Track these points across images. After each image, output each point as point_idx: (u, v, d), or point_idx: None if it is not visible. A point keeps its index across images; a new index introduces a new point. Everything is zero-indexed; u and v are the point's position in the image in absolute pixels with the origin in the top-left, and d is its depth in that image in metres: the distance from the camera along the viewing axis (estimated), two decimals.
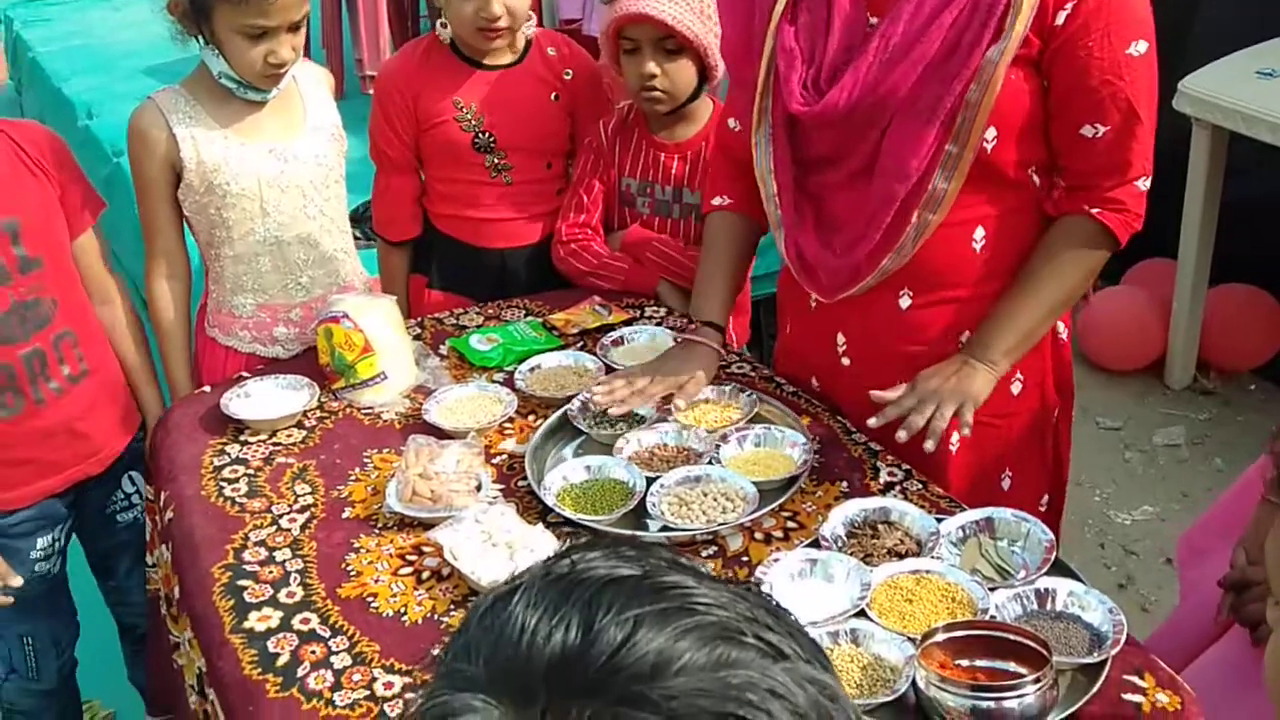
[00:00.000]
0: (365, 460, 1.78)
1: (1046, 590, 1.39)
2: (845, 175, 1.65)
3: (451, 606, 1.48)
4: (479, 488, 1.65)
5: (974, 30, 1.51)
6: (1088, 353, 3.42)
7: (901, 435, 1.57)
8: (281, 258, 2.09)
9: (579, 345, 2.04)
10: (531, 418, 1.85)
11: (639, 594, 0.55)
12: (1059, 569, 1.43)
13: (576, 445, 1.79)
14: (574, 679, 0.51)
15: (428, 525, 1.59)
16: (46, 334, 1.90)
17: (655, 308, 2.17)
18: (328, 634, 1.45)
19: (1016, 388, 1.72)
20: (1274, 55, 3.09)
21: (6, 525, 1.95)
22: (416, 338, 2.09)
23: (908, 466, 1.67)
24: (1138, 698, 1.27)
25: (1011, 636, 1.27)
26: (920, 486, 1.64)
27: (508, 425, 1.84)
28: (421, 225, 2.35)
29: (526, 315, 2.17)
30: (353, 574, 1.54)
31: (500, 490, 1.68)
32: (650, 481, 1.63)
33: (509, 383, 1.93)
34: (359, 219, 2.59)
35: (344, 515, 1.66)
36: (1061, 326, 1.78)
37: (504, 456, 1.77)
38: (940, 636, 1.28)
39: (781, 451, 1.70)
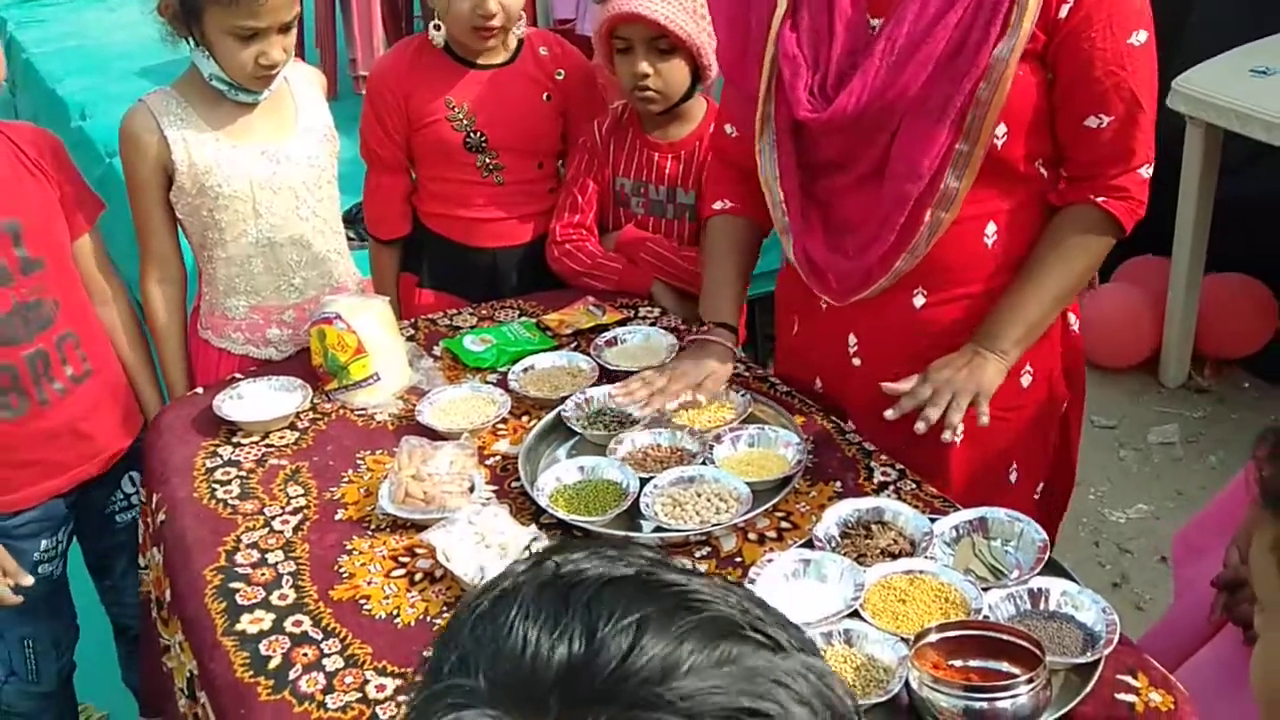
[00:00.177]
0: (358, 462, 1.78)
1: (1040, 590, 1.39)
2: (855, 179, 1.65)
3: (444, 608, 1.47)
4: (472, 489, 1.65)
5: (980, 28, 1.52)
6: None
7: (920, 427, 1.56)
8: (274, 259, 2.09)
9: (573, 346, 2.03)
10: (525, 419, 1.85)
11: (637, 595, 0.54)
12: (1052, 569, 1.43)
13: (570, 446, 1.79)
14: (584, 688, 0.51)
15: (420, 527, 1.58)
16: (49, 335, 1.91)
17: (649, 308, 2.17)
18: (320, 636, 1.44)
19: (1026, 380, 1.72)
20: (1267, 53, 3.10)
21: (10, 527, 1.95)
22: (410, 339, 2.09)
23: (901, 466, 1.67)
24: (1131, 697, 1.27)
25: (1005, 637, 1.27)
26: (914, 486, 1.63)
27: (501, 426, 1.83)
28: (411, 224, 2.35)
29: (520, 316, 2.16)
30: (345, 576, 1.54)
31: (493, 491, 1.68)
32: (644, 482, 1.63)
33: (503, 383, 1.93)
34: (352, 220, 2.59)
35: (336, 517, 1.65)
36: (1073, 317, 1.78)
37: (497, 458, 1.76)
38: (933, 637, 1.28)
39: (775, 452, 1.70)
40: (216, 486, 1.73)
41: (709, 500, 1.60)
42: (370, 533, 1.62)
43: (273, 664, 1.40)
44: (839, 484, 1.65)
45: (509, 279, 2.30)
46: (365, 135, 2.29)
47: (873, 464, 1.69)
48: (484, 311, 2.20)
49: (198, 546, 1.61)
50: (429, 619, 1.46)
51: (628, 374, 1.92)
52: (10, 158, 1.88)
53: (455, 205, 2.28)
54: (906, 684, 1.26)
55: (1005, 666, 1.25)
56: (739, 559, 1.53)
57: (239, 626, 1.46)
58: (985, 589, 1.39)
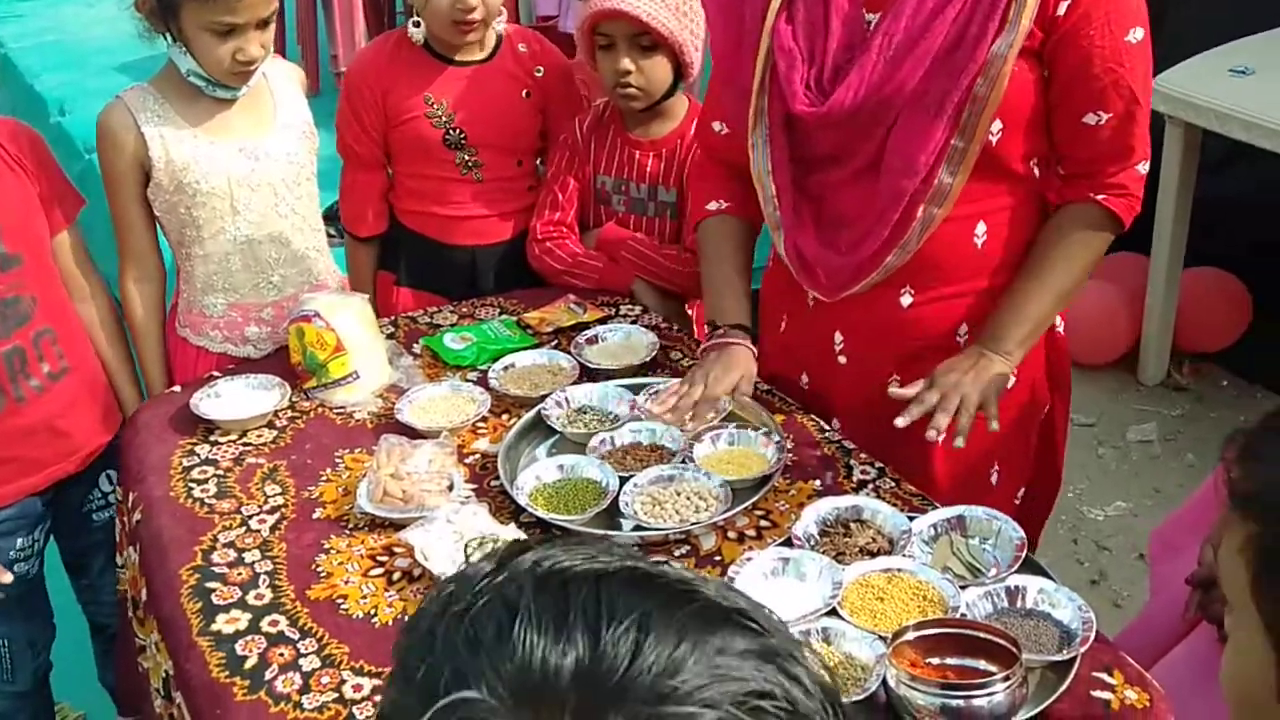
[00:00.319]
0: (337, 460, 1.77)
1: (1017, 588, 1.39)
2: (849, 173, 1.64)
3: None
4: (451, 488, 1.64)
5: (978, 23, 1.51)
6: None
7: (931, 434, 1.53)
8: (253, 256, 2.08)
9: (553, 344, 2.03)
10: (505, 417, 1.84)
11: (631, 590, 0.55)
12: (1030, 567, 1.43)
13: (550, 445, 1.78)
14: (599, 692, 0.51)
15: (399, 526, 1.58)
16: (26, 331, 1.89)
17: (630, 306, 2.17)
18: (297, 636, 1.43)
19: (1010, 381, 1.70)
20: (1246, 53, 3.12)
21: None
22: (390, 336, 2.08)
23: (881, 464, 1.68)
24: (1106, 695, 1.27)
25: (982, 635, 1.27)
26: (893, 484, 1.64)
27: (481, 425, 1.83)
28: (388, 221, 2.34)
29: (501, 314, 2.16)
30: (323, 575, 1.53)
31: (473, 490, 1.67)
32: (623, 481, 1.63)
33: (483, 382, 1.92)
34: (332, 217, 2.58)
35: (314, 516, 1.65)
36: (1058, 319, 1.78)
37: (477, 456, 1.76)
38: (911, 635, 1.29)
39: (755, 450, 1.70)
40: (193, 485, 1.72)
41: (688, 499, 1.60)
42: (348, 532, 1.61)
43: (249, 664, 1.40)
44: (818, 482, 1.65)
45: (488, 277, 2.29)
46: (342, 131, 2.28)
47: (852, 462, 1.69)
48: (464, 309, 2.19)
49: (174, 546, 1.60)
50: (407, 618, 1.45)
51: (609, 373, 1.92)
52: None
53: (432, 202, 2.28)
54: (884, 682, 1.26)
55: (982, 664, 1.25)
56: (718, 557, 1.53)
57: (215, 626, 1.45)
58: (963, 587, 1.39)
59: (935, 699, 1.22)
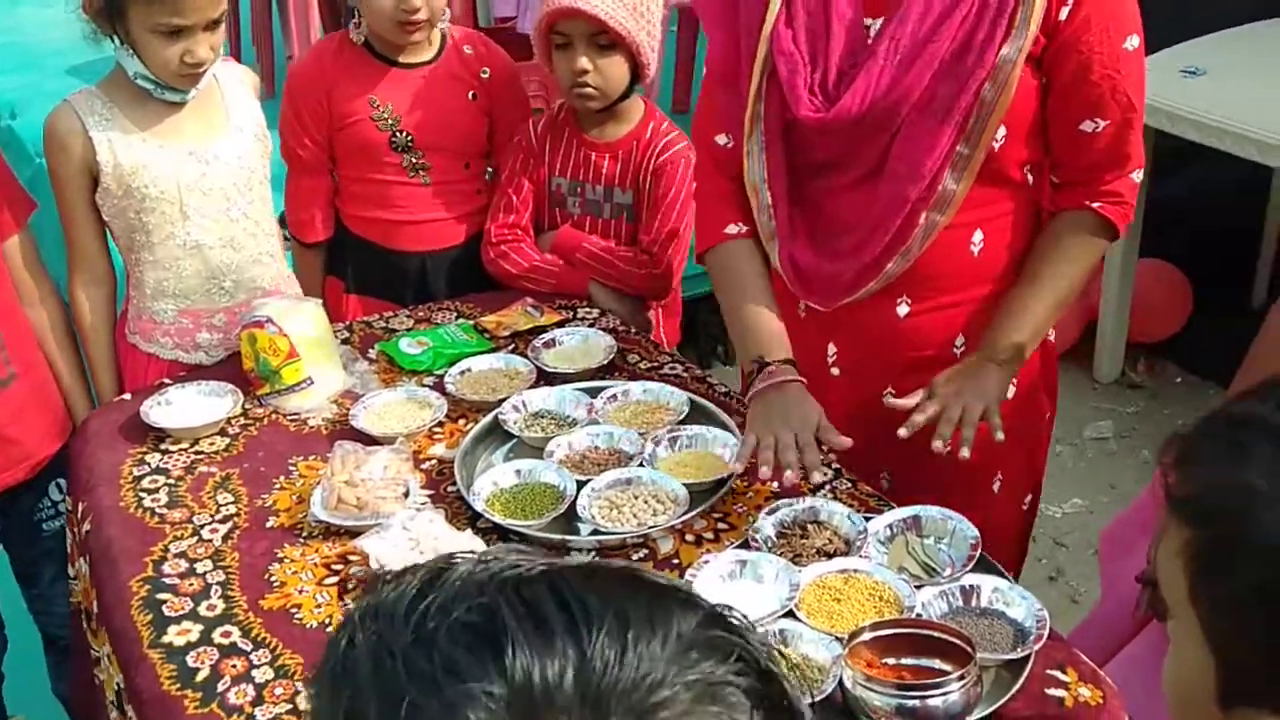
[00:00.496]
0: (290, 468, 1.75)
1: (971, 587, 1.40)
2: (851, 180, 1.61)
3: None
4: (407, 494, 1.63)
5: (986, 28, 1.50)
6: None
7: (937, 445, 1.52)
8: (204, 262, 2.04)
9: (510, 348, 2.02)
10: (462, 422, 1.83)
11: (600, 587, 0.54)
12: (984, 565, 1.44)
13: (508, 449, 1.77)
14: (596, 699, 0.50)
15: (354, 533, 1.56)
16: None
17: (588, 309, 2.16)
18: (249, 647, 1.42)
19: (1010, 391, 1.68)
20: (1198, 54, 3.15)
21: None
22: (345, 341, 2.06)
23: (838, 465, 1.68)
24: (1060, 692, 1.28)
25: (937, 634, 1.28)
26: (850, 485, 1.64)
27: (438, 430, 1.82)
28: (334, 226, 2.32)
29: (457, 318, 2.14)
30: (276, 585, 1.51)
31: (429, 496, 1.66)
32: (581, 485, 1.62)
33: (439, 387, 1.91)
34: (285, 221, 2.55)
35: (268, 525, 1.63)
36: (1050, 330, 1.76)
37: (433, 462, 1.75)
38: (867, 636, 1.29)
39: (712, 453, 1.70)
40: (144, 495, 1.70)
41: (646, 502, 1.59)
42: (302, 540, 1.59)
43: (200, 676, 1.38)
44: (775, 484, 1.65)
45: (440, 283, 2.28)
46: (285, 135, 2.25)
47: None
48: (420, 314, 2.18)
49: (124, 556, 1.58)
50: (313, 674, 1.43)
51: (566, 376, 1.91)
52: None
53: (376, 206, 2.25)
54: (840, 683, 1.27)
55: (937, 664, 1.26)
56: (676, 560, 1.53)
57: (166, 638, 1.43)
58: (918, 587, 1.40)
59: (891, 699, 1.22)
